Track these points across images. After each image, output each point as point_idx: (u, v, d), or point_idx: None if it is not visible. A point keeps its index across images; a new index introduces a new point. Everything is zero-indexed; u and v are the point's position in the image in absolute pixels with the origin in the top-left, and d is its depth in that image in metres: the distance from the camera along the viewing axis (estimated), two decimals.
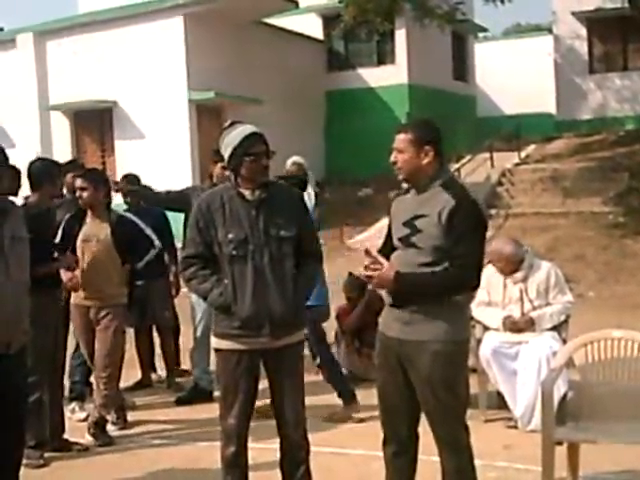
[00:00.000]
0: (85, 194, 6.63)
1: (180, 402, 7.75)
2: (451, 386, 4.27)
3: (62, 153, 19.51)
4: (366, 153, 22.04)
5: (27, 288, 4.63)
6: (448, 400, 4.24)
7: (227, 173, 4.83)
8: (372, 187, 21.62)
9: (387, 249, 4.45)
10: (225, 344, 4.63)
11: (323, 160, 24.72)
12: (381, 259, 4.22)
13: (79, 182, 6.69)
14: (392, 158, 4.29)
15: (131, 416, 7.31)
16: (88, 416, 6.95)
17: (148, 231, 7.36)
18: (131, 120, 20.68)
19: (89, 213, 6.72)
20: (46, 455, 6.23)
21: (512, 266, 6.61)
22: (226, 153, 4.59)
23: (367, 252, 4.28)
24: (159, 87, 20.00)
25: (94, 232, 6.65)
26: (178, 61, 19.98)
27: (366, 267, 4.20)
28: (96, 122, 21.30)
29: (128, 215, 7.30)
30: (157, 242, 7.35)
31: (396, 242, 4.31)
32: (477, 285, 4.35)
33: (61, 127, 21.54)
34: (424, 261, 4.17)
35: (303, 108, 23.99)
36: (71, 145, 21.47)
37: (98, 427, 6.69)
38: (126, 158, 20.03)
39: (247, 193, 4.58)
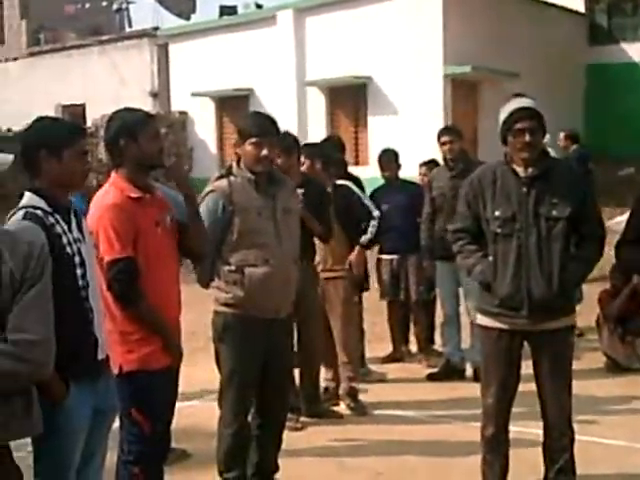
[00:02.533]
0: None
1: (432, 378, 7.74)
2: None
3: (317, 128, 19.99)
4: (629, 130, 21.10)
5: (296, 259, 4.82)
6: None
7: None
8: (635, 166, 20.74)
9: (636, 234, 4.32)
10: (486, 321, 4.60)
11: (582, 137, 23.80)
12: None
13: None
14: None
15: (381, 388, 7.47)
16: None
17: (366, 201, 7.35)
18: (385, 95, 20.78)
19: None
20: (302, 419, 6.45)
21: None
22: (499, 125, 4.53)
23: None
24: (414, 62, 19.90)
25: None
26: (435, 35, 19.79)
27: None
28: (350, 98, 21.57)
29: (346, 183, 7.25)
30: (376, 212, 7.25)
31: None
32: None
33: (316, 103, 22.00)
34: None
35: (562, 82, 23.18)
36: (325, 120, 21.91)
37: (350, 398, 6.83)
38: (378, 134, 20.18)
39: (520, 170, 4.46)
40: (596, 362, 8.08)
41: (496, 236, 4.46)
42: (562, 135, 13.10)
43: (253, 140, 4.61)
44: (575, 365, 7.52)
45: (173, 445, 4.87)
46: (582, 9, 25.17)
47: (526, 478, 5.02)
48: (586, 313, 8.82)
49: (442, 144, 7.60)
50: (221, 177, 4.75)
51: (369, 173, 13.07)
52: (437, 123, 19.94)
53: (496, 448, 4.65)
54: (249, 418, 4.89)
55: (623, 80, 23.53)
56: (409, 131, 19.53)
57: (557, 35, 23.21)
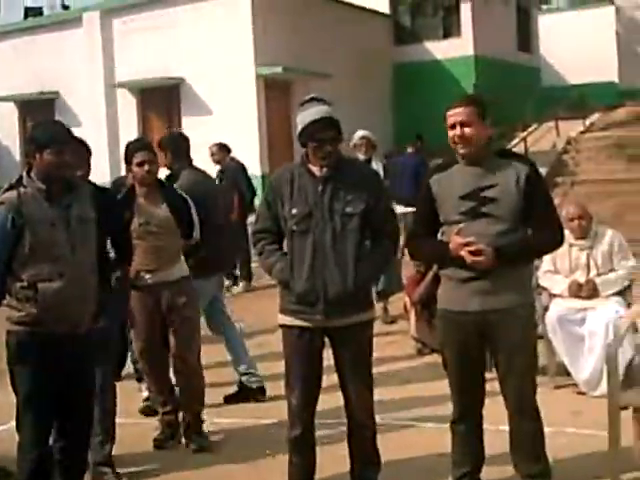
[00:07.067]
0: (154, 168, 5.88)
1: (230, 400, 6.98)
2: (534, 349, 4.43)
3: (128, 131, 19.74)
4: (434, 125, 21.74)
5: (94, 269, 4.60)
6: (530, 364, 4.36)
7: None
8: (441, 158, 21.61)
9: (425, 227, 4.51)
10: (286, 319, 4.62)
11: (392, 133, 24.77)
12: (474, 241, 4.20)
13: (143, 156, 5.85)
14: (457, 132, 4.28)
15: None
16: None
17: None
18: (198, 96, 20.75)
19: (142, 192, 5.90)
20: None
21: (588, 222, 6.71)
22: (297, 129, 4.60)
23: (458, 233, 4.27)
24: (226, 63, 19.96)
25: (152, 215, 5.85)
26: (245, 36, 19.95)
27: (462, 245, 4.20)
28: (163, 99, 21.40)
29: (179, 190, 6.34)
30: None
31: (456, 216, 4.32)
32: (563, 243, 4.55)
33: (127, 105, 21.70)
34: (502, 229, 4.24)
35: (371, 81, 23.98)
36: (137, 123, 21.64)
37: (192, 431, 5.96)
38: (193, 135, 19.88)
39: (315, 169, 4.56)
40: (408, 347, 8.31)
41: (293, 233, 4.52)
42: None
43: (54, 148, 4.39)
44: (388, 351, 7.97)
45: None
46: (387, 10, 26.11)
47: (334, 473, 5.05)
48: (400, 300, 9.21)
49: None
50: (10, 188, 4.46)
51: None
52: (251, 123, 20.16)
53: (303, 448, 4.65)
54: (50, 441, 4.61)
55: (427, 77, 24.63)
56: (224, 132, 19.58)
57: (365, 36, 23.97)
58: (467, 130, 4.27)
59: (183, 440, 5.96)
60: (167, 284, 5.84)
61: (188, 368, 5.93)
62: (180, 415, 6.03)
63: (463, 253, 4.20)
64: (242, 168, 12.22)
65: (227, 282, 11.75)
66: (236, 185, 11.92)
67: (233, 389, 7.02)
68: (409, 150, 11.03)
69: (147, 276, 5.80)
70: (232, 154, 12.27)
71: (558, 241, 4.46)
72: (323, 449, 4.92)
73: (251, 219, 11.51)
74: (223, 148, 12.14)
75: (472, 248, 4.18)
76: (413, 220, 4.74)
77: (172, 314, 5.86)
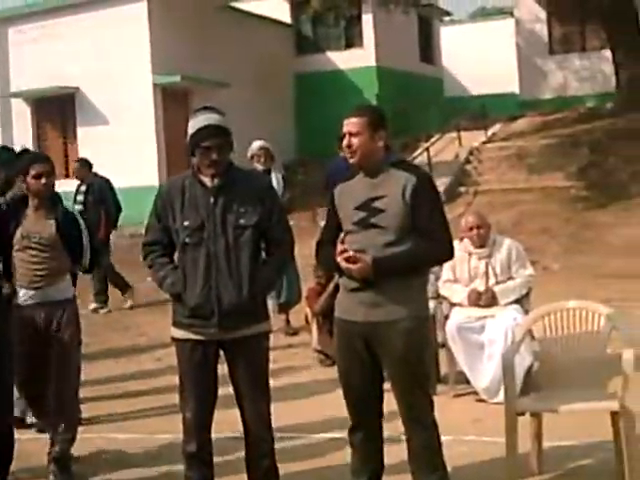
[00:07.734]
0: (51, 180, 5.48)
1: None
2: (422, 362, 4.34)
3: (23, 141, 19.24)
4: (336, 135, 21.90)
5: None
6: (418, 376, 4.29)
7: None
8: None
9: (331, 234, 4.46)
10: (179, 333, 4.52)
11: (294, 142, 24.84)
12: (353, 253, 4.16)
13: (41, 167, 5.46)
14: (345, 142, 4.27)
15: None
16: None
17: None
18: (94, 106, 20.52)
19: (34, 203, 5.53)
20: None
21: (486, 232, 6.74)
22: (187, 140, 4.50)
23: (342, 241, 4.24)
24: (123, 72, 19.83)
25: (37, 229, 5.48)
26: (142, 45, 19.86)
27: (340, 253, 4.18)
28: (58, 109, 21.19)
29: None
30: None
31: (351, 227, 4.30)
32: (452, 256, 4.45)
33: (22, 115, 21.40)
34: (389, 240, 4.19)
35: (272, 91, 24.01)
36: (32, 133, 21.34)
37: (58, 467, 5.42)
38: (89, 145, 19.81)
39: (207, 180, 4.46)
40: (310, 359, 8.25)
41: (185, 246, 4.43)
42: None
43: None
44: (290, 363, 7.90)
45: None
46: (288, 20, 26.21)
47: None
48: (299, 311, 9.17)
49: None
50: None
51: None
52: (149, 132, 19.97)
53: (198, 463, 4.54)
54: None
55: (329, 87, 24.80)
56: (121, 141, 19.40)
57: (266, 45, 23.99)
58: (353, 140, 4.26)
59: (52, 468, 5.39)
60: (44, 305, 5.42)
61: (62, 401, 5.44)
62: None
63: (339, 259, 4.17)
64: (107, 182, 11.85)
65: (95, 305, 11.72)
66: (102, 201, 11.57)
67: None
68: (342, 154, 11.15)
69: (22, 292, 5.37)
70: (94, 169, 11.90)
71: (445, 254, 4.39)
72: (222, 464, 4.82)
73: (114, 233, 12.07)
74: (85, 164, 11.85)
75: (345, 255, 4.16)
76: (322, 227, 4.71)
77: (48, 339, 5.41)
